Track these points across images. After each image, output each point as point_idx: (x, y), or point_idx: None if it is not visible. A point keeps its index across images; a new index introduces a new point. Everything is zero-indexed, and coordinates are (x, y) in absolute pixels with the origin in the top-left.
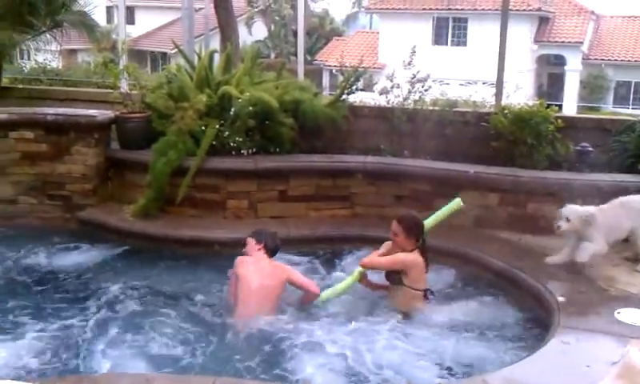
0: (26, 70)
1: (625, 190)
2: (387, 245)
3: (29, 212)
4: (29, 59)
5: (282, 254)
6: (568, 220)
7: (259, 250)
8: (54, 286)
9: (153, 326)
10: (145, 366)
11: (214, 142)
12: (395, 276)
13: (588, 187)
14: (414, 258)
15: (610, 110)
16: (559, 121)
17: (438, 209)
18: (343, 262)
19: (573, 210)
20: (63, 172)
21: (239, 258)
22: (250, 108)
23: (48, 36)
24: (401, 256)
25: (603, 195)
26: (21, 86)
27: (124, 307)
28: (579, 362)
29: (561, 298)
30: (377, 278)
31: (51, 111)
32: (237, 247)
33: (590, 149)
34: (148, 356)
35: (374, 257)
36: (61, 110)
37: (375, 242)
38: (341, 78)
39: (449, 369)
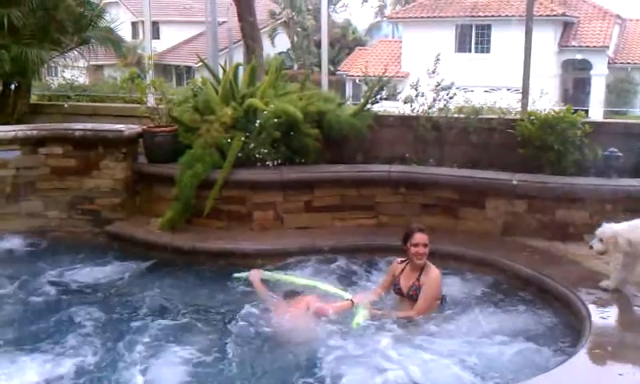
0: (54, 87)
1: None
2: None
3: (58, 226)
4: (56, 76)
5: (308, 263)
6: (601, 240)
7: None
8: (82, 300)
9: (183, 338)
10: (177, 380)
11: (239, 154)
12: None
13: (617, 193)
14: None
15: (637, 114)
16: (587, 126)
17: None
18: (369, 271)
19: (607, 230)
20: (92, 186)
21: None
22: (275, 120)
23: (75, 53)
24: (438, 282)
25: (632, 201)
26: (49, 103)
27: (153, 319)
28: (611, 371)
29: None
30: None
31: (79, 126)
32: (265, 258)
33: (619, 154)
34: (179, 369)
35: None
36: (89, 126)
37: (400, 252)
38: (364, 88)
39: (478, 377)
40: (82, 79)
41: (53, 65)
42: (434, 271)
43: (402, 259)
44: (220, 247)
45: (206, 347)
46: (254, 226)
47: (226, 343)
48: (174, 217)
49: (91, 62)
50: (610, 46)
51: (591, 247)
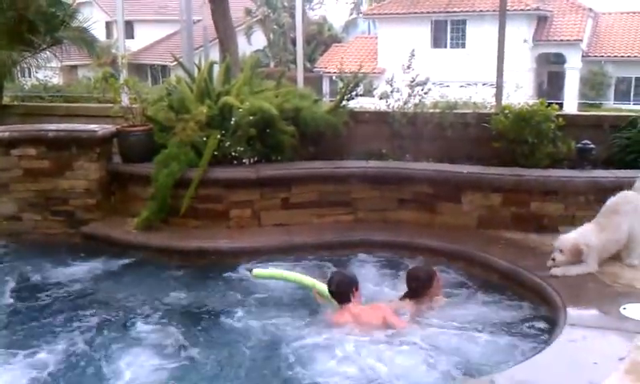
0: (27, 88)
1: (628, 186)
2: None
3: (33, 228)
4: (30, 77)
5: (286, 262)
6: (561, 251)
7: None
8: (58, 302)
9: (159, 338)
10: (149, 380)
11: (215, 153)
12: None
13: (590, 184)
14: None
15: (611, 106)
16: (560, 119)
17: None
18: (349, 267)
19: (565, 240)
20: (66, 187)
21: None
22: (251, 117)
23: (48, 53)
24: None
25: (605, 192)
26: (22, 104)
27: (129, 319)
28: (586, 359)
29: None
30: None
31: (53, 127)
32: (243, 256)
33: (592, 146)
34: (154, 369)
35: None
36: (62, 126)
37: (379, 247)
38: (341, 84)
39: (451, 368)
40: (56, 80)
41: (25, 65)
42: (442, 299)
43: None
44: (197, 246)
45: (183, 347)
46: (231, 224)
47: (201, 343)
48: (149, 216)
49: (65, 63)
50: (584, 40)
51: (553, 259)
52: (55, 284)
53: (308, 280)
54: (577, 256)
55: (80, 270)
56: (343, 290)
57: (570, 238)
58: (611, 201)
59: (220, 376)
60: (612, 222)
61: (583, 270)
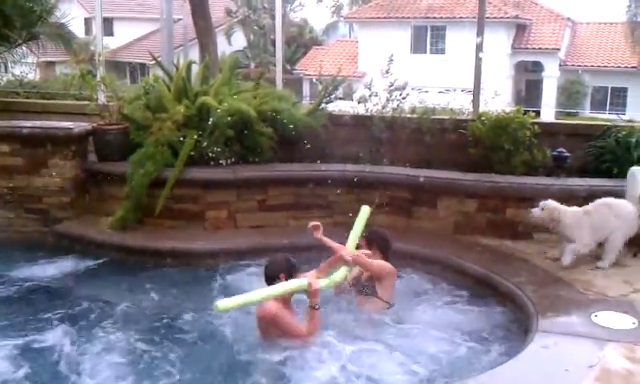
0: (2, 83)
1: (602, 194)
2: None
3: (6, 226)
4: (5, 72)
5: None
6: (542, 209)
7: None
8: (31, 301)
9: (130, 342)
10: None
11: (192, 153)
12: (368, 287)
13: (564, 192)
14: (392, 267)
15: (587, 115)
16: (536, 127)
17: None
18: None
19: (550, 203)
20: (40, 185)
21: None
22: (229, 118)
23: (24, 48)
24: (386, 263)
25: (579, 200)
26: None
27: (101, 322)
28: (558, 366)
29: None
30: None
31: (27, 124)
32: (218, 258)
33: (567, 154)
34: (123, 375)
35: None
36: (37, 123)
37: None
38: (320, 87)
39: (423, 374)
40: (33, 75)
41: (1, 60)
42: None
43: None
44: (171, 247)
45: (155, 347)
46: (206, 225)
47: (167, 346)
48: (124, 216)
49: (43, 59)
50: (562, 49)
51: (530, 211)
52: (24, 281)
53: (278, 289)
54: (551, 221)
55: (50, 268)
56: (270, 274)
57: (555, 203)
58: (608, 199)
59: (186, 379)
60: (602, 214)
61: (577, 249)
